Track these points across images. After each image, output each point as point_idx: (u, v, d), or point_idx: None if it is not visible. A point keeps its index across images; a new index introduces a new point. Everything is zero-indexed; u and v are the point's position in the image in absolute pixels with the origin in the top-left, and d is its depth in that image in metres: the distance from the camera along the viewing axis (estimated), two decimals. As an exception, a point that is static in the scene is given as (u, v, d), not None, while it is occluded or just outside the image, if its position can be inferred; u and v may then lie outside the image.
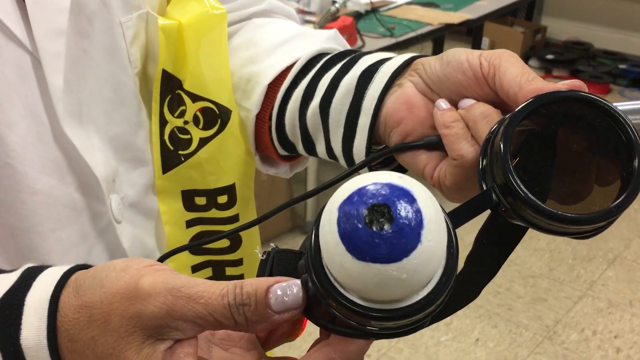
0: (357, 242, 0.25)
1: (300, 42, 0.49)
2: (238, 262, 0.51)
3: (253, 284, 0.28)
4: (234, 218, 0.51)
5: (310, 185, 2.24)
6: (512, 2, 2.54)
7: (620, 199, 0.30)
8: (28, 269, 0.32)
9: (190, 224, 0.50)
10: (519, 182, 0.30)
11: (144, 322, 0.28)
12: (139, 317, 0.28)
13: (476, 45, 2.91)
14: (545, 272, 2.16)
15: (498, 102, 0.37)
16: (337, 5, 1.99)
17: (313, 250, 0.26)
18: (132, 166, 0.46)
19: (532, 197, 0.30)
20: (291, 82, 0.47)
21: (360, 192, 0.26)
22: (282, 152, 0.50)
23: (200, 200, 0.50)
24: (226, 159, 0.49)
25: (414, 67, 0.42)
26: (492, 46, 4.23)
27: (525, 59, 4.13)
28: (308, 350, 0.29)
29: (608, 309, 1.98)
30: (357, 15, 2.16)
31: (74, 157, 0.41)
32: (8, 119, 0.37)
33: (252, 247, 0.51)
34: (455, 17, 2.25)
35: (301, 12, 2.06)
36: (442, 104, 0.39)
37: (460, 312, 2.00)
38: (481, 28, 2.82)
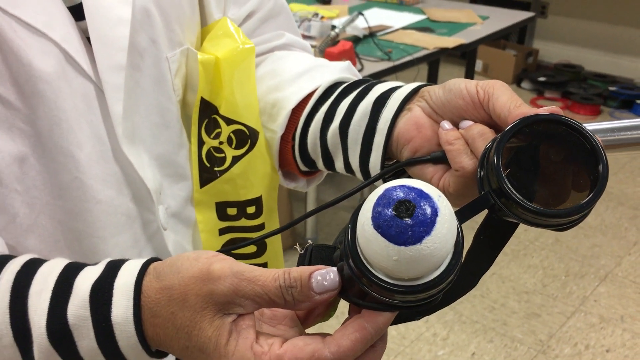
0: (387, 228, 0.31)
1: (319, 72, 0.56)
2: (263, 266, 0.58)
3: (298, 270, 0.34)
4: (261, 226, 0.57)
5: (311, 204, 2.30)
6: (504, 27, 2.62)
7: (589, 197, 0.37)
8: (111, 261, 0.38)
9: (222, 231, 0.56)
10: (510, 186, 0.37)
11: (215, 299, 0.35)
12: (211, 295, 0.34)
13: (470, 67, 2.99)
14: (539, 288, 2.22)
15: (492, 123, 0.44)
16: (336, 30, 2.06)
17: (350, 240, 0.33)
18: (174, 181, 0.52)
19: (521, 197, 0.37)
20: (312, 107, 0.54)
21: (392, 191, 0.33)
22: (303, 168, 0.56)
23: (232, 211, 0.56)
24: (255, 174, 0.55)
25: (420, 94, 0.48)
26: (486, 68, 4.33)
27: (518, 81, 4.22)
28: (342, 324, 0.35)
29: (600, 324, 2.04)
30: (356, 40, 2.23)
31: (130, 172, 0.48)
32: (77, 140, 0.44)
33: (276, 252, 0.58)
34: (450, 41, 2.32)
35: (302, 36, 2.13)
36: (446, 124, 0.45)
37: (456, 327, 2.05)
38: (475, 51, 2.90)
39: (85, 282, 0.38)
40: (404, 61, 2.12)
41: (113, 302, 0.36)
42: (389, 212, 0.32)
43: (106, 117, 0.46)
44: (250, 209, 0.56)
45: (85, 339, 0.37)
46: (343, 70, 0.56)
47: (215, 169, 0.54)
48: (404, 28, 2.48)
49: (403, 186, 0.32)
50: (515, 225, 0.41)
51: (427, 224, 0.31)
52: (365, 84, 0.52)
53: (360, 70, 1.97)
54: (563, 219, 0.38)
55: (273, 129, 0.55)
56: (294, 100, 0.54)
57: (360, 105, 0.50)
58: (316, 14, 2.35)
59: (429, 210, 0.32)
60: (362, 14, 2.24)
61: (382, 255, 0.31)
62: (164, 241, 0.51)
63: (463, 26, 2.55)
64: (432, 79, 2.75)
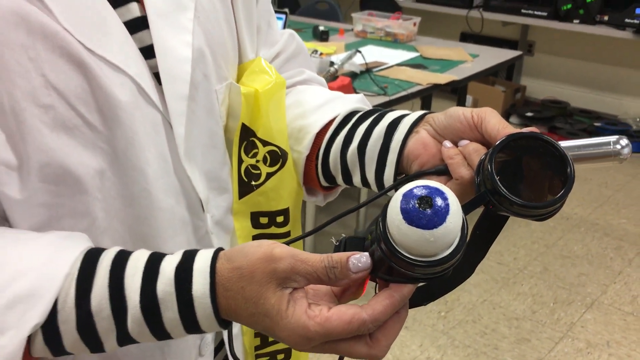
0: (412, 216, 0.41)
1: (338, 102, 0.65)
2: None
3: (339, 255, 0.43)
4: (287, 234, 0.66)
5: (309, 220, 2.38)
6: (493, 65, 2.75)
7: (561, 193, 0.47)
8: (186, 250, 0.47)
9: (255, 238, 0.65)
10: (502, 186, 0.47)
11: (277, 276, 0.43)
12: (274, 272, 0.43)
13: (461, 102, 3.12)
14: (529, 314, 2.29)
15: (484, 142, 0.53)
16: (335, 66, 2.17)
17: (382, 228, 0.42)
18: (218, 193, 0.61)
19: (511, 195, 0.47)
20: (333, 131, 0.63)
21: (415, 189, 0.42)
22: (324, 183, 0.66)
23: (264, 220, 0.65)
24: (284, 189, 0.65)
25: (426, 119, 0.58)
26: (475, 103, 4.47)
27: (507, 116, 4.35)
28: (374, 296, 0.44)
29: (587, 349, 2.11)
30: (353, 75, 2.35)
31: (186, 185, 0.57)
32: (146, 158, 0.53)
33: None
34: (442, 78, 2.45)
35: (302, 71, 2.24)
36: (447, 143, 0.55)
37: (449, 351, 2.11)
38: (465, 87, 3.03)
39: (170, 265, 0.46)
40: (399, 96, 2.23)
41: (193, 281, 0.45)
42: (414, 204, 0.41)
43: (169, 139, 0.55)
44: (280, 218, 0.65)
45: (169, 310, 0.45)
46: (358, 101, 0.66)
47: (252, 183, 0.63)
48: (399, 65, 2.61)
49: (424, 186, 0.42)
50: (505, 220, 0.51)
51: (442, 214, 0.41)
52: (377, 113, 0.62)
53: (358, 104, 2.08)
54: (542, 209, 0.48)
55: (299, 150, 0.65)
56: (317, 126, 0.64)
57: (375, 130, 0.60)
58: (315, 51, 2.47)
59: (443, 204, 0.41)
60: (360, 51, 2.36)
61: (408, 237, 0.40)
62: (210, 243, 0.60)
63: (454, 63, 2.68)
64: (426, 109, 2.87)
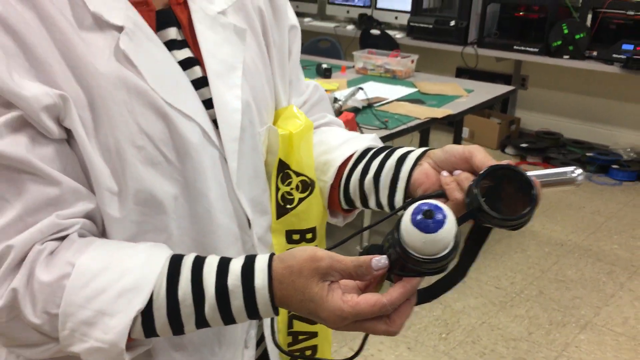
0: (419, 224, 0.55)
1: (356, 141, 0.80)
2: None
3: (365, 257, 0.57)
4: (315, 249, 0.81)
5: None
6: (487, 99, 2.92)
7: (528, 209, 0.62)
8: (247, 255, 0.61)
9: (289, 252, 0.80)
10: (486, 206, 0.61)
11: (319, 271, 0.57)
12: (317, 269, 0.57)
13: (457, 134, 3.27)
14: (525, 335, 2.41)
15: (473, 171, 0.67)
16: (339, 103, 2.33)
17: (397, 234, 0.56)
18: (260, 214, 0.75)
19: (492, 212, 0.61)
20: (353, 164, 0.78)
21: (421, 205, 0.56)
22: (345, 206, 0.80)
23: (296, 236, 0.79)
24: (312, 211, 0.79)
25: (427, 154, 0.73)
26: (472, 135, 4.63)
27: (502, 147, 4.52)
28: (391, 287, 0.58)
29: (581, 368, 2.23)
30: (356, 110, 2.51)
31: (237, 207, 0.71)
32: (209, 185, 0.67)
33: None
34: (439, 112, 2.60)
35: (309, 107, 2.40)
36: (444, 173, 0.69)
37: (451, 371, 2.21)
38: (462, 120, 3.19)
39: (236, 265, 0.60)
40: (399, 129, 2.39)
41: (255, 276, 0.59)
42: (420, 216, 0.55)
43: (225, 171, 0.69)
44: (309, 235, 0.79)
45: (237, 299, 0.59)
46: (372, 140, 0.82)
47: (287, 207, 0.78)
48: (398, 100, 2.77)
49: (427, 203, 0.57)
50: (489, 230, 0.65)
51: (440, 222, 0.55)
52: (388, 149, 0.77)
53: (361, 138, 2.23)
54: (514, 221, 0.62)
55: (325, 180, 0.79)
56: (339, 160, 0.79)
57: (387, 163, 0.75)
58: (320, 88, 2.64)
59: (441, 215, 0.55)
60: (362, 89, 2.53)
61: (416, 240, 0.55)
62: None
63: (450, 98, 2.85)
64: (424, 144, 3.02)
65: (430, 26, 4.38)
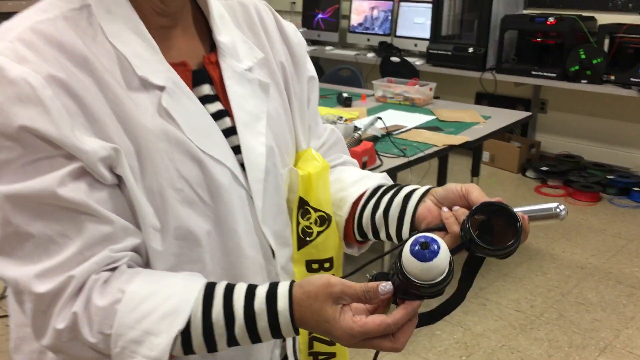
0: (417, 254, 0.64)
1: (368, 180, 0.90)
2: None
3: (372, 283, 0.66)
4: (332, 276, 0.91)
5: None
6: (504, 125, 2.99)
7: (513, 240, 0.70)
8: (271, 283, 0.70)
9: (308, 280, 0.89)
10: (477, 239, 0.70)
11: (332, 296, 0.66)
12: (330, 294, 0.66)
13: (476, 158, 3.34)
14: (545, 358, 2.45)
15: (470, 207, 0.76)
16: (359, 132, 2.43)
17: (399, 264, 0.65)
18: (283, 246, 0.85)
19: (482, 243, 0.70)
20: (365, 201, 0.87)
21: (419, 238, 0.65)
22: (359, 238, 0.89)
23: (315, 266, 0.88)
24: (330, 243, 0.88)
25: (430, 192, 0.82)
26: (492, 159, 4.69)
27: (523, 170, 4.56)
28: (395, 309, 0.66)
29: (601, 390, 2.25)
30: (375, 139, 2.60)
31: (263, 240, 0.80)
32: (237, 222, 0.77)
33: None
34: (456, 139, 2.68)
35: (330, 136, 2.50)
36: (445, 209, 0.78)
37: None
38: (481, 145, 3.26)
39: (262, 291, 0.70)
40: (417, 157, 2.47)
41: (278, 301, 0.68)
42: (418, 247, 0.64)
43: (251, 209, 0.79)
44: (326, 265, 0.88)
45: (262, 321, 0.68)
46: (382, 178, 0.91)
47: (307, 239, 0.87)
48: (416, 127, 2.85)
49: (424, 236, 0.66)
50: (482, 259, 0.74)
51: (435, 252, 0.64)
52: (396, 187, 0.86)
53: (379, 166, 2.31)
54: (502, 251, 0.71)
55: (341, 215, 0.89)
56: (353, 197, 0.88)
57: (395, 200, 0.84)
58: (340, 117, 2.74)
59: (435, 246, 0.64)
60: (381, 118, 2.62)
61: (415, 268, 0.64)
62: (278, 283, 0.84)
63: (468, 125, 2.92)
64: (442, 169, 3.10)
65: (449, 53, 4.47)
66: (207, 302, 0.69)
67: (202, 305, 0.69)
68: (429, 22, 4.66)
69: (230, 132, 0.80)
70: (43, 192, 0.67)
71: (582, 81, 3.96)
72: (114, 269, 0.70)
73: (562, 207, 0.75)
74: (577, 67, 3.95)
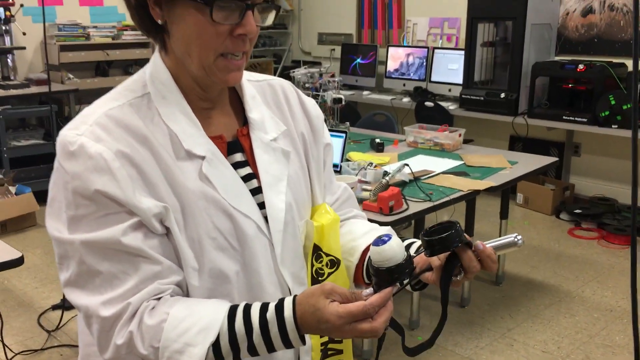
0: (375, 243, 0.85)
1: (375, 232, 1.07)
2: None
3: (357, 290, 0.84)
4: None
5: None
6: (530, 171, 3.10)
7: (445, 234, 0.88)
8: (280, 298, 0.88)
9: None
10: (423, 237, 0.89)
11: (324, 291, 0.84)
12: (323, 290, 0.84)
13: (504, 201, 3.43)
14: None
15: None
16: (387, 178, 2.59)
17: (370, 263, 0.86)
18: (298, 285, 1.01)
19: (426, 237, 0.89)
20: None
21: (379, 237, 0.86)
22: (366, 281, 1.06)
23: None
24: (338, 283, 1.03)
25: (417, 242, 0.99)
26: (526, 201, 4.76)
27: (557, 212, 4.61)
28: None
29: None
30: (403, 184, 2.75)
31: (281, 280, 0.98)
32: (260, 264, 0.95)
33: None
34: (482, 184, 2.81)
35: (360, 181, 2.67)
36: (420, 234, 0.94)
37: None
38: (509, 189, 3.37)
39: (272, 305, 0.87)
40: (442, 201, 2.61)
41: (284, 310, 0.86)
42: (376, 239, 0.85)
43: (272, 254, 0.97)
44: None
45: (273, 328, 0.85)
46: (387, 232, 1.08)
47: (319, 279, 1.04)
48: (444, 172, 3.00)
49: (382, 234, 0.86)
50: (451, 276, 0.90)
51: (386, 241, 0.84)
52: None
53: (405, 210, 2.46)
54: (443, 240, 0.89)
55: (352, 261, 1.06)
56: (362, 246, 1.06)
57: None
58: (371, 163, 2.92)
59: (387, 238, 0.85)
60: (408, 165, 2.78)
61: (374, 253, 0.84)
62: None
63: (494, 170, 3.05)
64: (470, 211, 3.22)
65: (482, 98, 4.62)
66: (231, 318, 0.87)
67: (228, 321, 0.87)
68: (462, 68, 4.83)
69: (256, 191, 0.99)
70: (110, 240, 0.87)
71: (613, 126, 4.05)
72: (160, 298, 0.89)
73: (519, 237, 0.91)
74: (607, 113, 4.04)
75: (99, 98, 0.95)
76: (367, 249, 1.05)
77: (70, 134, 0.89)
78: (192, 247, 0.91)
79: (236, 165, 0.99)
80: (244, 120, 1.03)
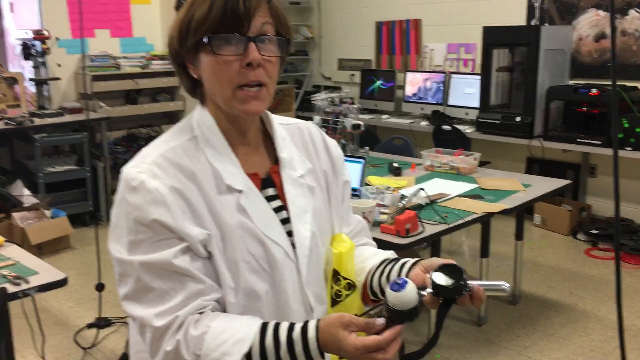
0: (392, 288, 0.96)
1: (379, 256, 1.22)
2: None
3: (371, 319, 0.97)
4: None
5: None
6: (543, 193, 3.21)
7: (453, 282, 1.01)
8: (305, 321, 1.02)
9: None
10: (435, 280, 1.02)
11: (343, 323, 0.97)
12: (342, 322, 0.97)
13: (519, 221, 3.55)
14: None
15: None
16: (404, 202, 2.73)
17: (385, 301, 0.97)
18: (319, 304, 1.15)
19: (438, 282, 1.01)
20: (375, 269, 1.19)
21: (395, 279, 0.98)
22: (372, 297, 1.20)
23: None
24: (354, 303, 1.18)
25: (420, 262, 1.12)
26: (544, 222, 4.84)
27: (574, 233, 4.68)
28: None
29: None
30: (419, 207, 2.88)
31: (305, 299, 1.12)
32: (287, 285, 1.10)
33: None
34: (495, 207, 2.93)
35: (378, 205, 2.81)
36: (428, 274, 1.06)
37: None
38: (523, 211, 3.47)
39: (298, 326, 1.01)
40: (457, 224, 2.74)
41: (308, 330, 1.00)
42: (394, 284, 0.96)
43: (298, 276, 1.12)
44: None
45: (297, 345, 0.99)
46: (390, 254, 1.23)
47: (338, 299, 1.18)
48: (459, 196, 3.12)
49: (399, 278, 0.98)
50: (449, 307, 1.02)
51: (404, 286, 0.96)
52: (397, 259, 1.17)
53: (421, 232, 2.60)
54: (452, 288, 1.00)
55: (359, 280, 1.20)
56: (368, 268, 1.21)
57: (394, 268, 1.15)
58: (388, 187, 3.06)
59: (404, 283, 0.96)
60: (423, 189, 2.92)
61: (391, 297, 0.96)
62: None
63: (508, 193, 3.17)
64: (485, 233, 3.33)
65: (498, 121, 4.75)
66: (262, 334, 1.02)
67: (259, 335, 1.02)
68: (478, 93, 4.97)
69: (285, 221, 1.15)
70: (163, 261, 1.03)
71: (627, 148, 4.14)
72: (202, 312, 1.05)
73: (506, 284, 1.03)
74: (621, 135, 4.14)
75: (156, 139, 1.14)
76: (371, 270, 1.20)
77: (133, 171, 1.06)
78: (230, 269, 1.07)
79: (268, 199, 1.14)
80: (275, 159, 1.19)
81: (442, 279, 1.01)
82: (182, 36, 1.07)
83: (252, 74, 1.06)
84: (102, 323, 3.38)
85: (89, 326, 3.40)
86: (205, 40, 1.05)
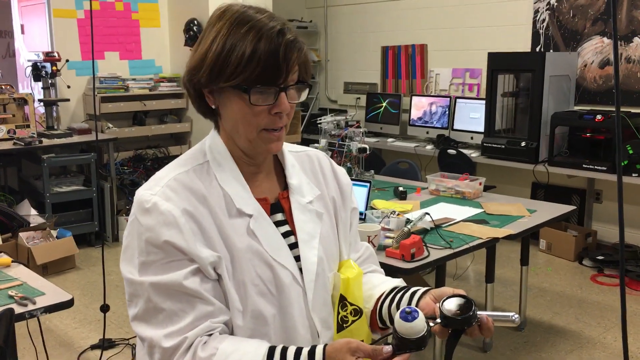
0: (404, 318, 0.97)
1: (388, 283, 1.23)
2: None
3: (379, 346, 0.98)
4: (362, 354, 1.22)
5: None
6: (548, 219, 3.21)
7: (464, 314, 1.02)
8: (312, 345, 1.03)
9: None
10: (441, 310, 1.02)
11: (351, 349, 0.98)
12: (349, 348, 0.98)
13: (524, 246, 3.54)
14: None
15: None
16: (409, 226, 2.74)
17: (394, 329, 0.97)
18: (326, 329, 1.16)
19: (446, 313, 1.02)
20: (384, 297, 1.19)
21: (405, 309, 0.98)
22: (380, 325, 1.20)
23: None
24: (361, 329, 1.19)
25: (429, 292, 1.13)
26: (549, 247, 4.83)
27: (579, 259, 4.66)
28: None
29: None
30: (425, 231, 2.89)
31: (311, 324, 1.13)
32: (294, 310, 1.11)
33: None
34: (500, 232, 2.93)
35: (383, 229, 2.81)
36: (439, 304, 1.06)
37: None
38: (528, 237, 3.47)
39: (305, 350, 1.02)
40: (462, 249, 2.74)
41: (316, 355, 1.00)
42: (404, 314, 0.97)
43: (305, 301, 1.13)
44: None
45: None
46: (398, 282, 1.24)
47: (344, 325, 1.19)
48: (464, 220, 3.12)
49: (410, 307, 0.98)
50: (458, 338, 1.02)
51: (415, 317, 0.96)
52: (407, 288, 1.18)
53: (426, 257, 2.60)
54: (460, 320, 1.01)
55: (368, 307, 1.21)
56: (376, 295, 1.21)
57: (404, 296, 1.16)
58: (394, 212, 3.07)
59: (415, 313, 0.96)
60: (428, 214, 2.92)
61: (401, 327, 0.96)
62: None
63: (513, 218, 3.17)
64: (490, 258, 3.33)
65: (503, 146, 4.76)
66: (270, 357, 1.03)
67: (267, 358, 1.03)
68: (483, 117, 4.99)
69: (293, 246, 1.16)
70: (174, 282, 1.04)
71: (633, 174, 4.14)
72: (210, 334, 1.05)
73: (516, 315, 1.04)
74: (626, 162, 4.14)
75: (169, 163, 1.17)
76: (379, 298, 1.21)
77: (146, 194, 1.09)
78: (238, 291, 1.08)
79: (277, 224, 1.16)
80: (284, 185, 1.21)
81: (451, 310, 1.02)
82: (214, 73, 1.06)
83: (279, 121, 1.10)
84: (106, 344, 3.37)
85: (93, 347, 3.40)
86: (241, 88, 1.05)
